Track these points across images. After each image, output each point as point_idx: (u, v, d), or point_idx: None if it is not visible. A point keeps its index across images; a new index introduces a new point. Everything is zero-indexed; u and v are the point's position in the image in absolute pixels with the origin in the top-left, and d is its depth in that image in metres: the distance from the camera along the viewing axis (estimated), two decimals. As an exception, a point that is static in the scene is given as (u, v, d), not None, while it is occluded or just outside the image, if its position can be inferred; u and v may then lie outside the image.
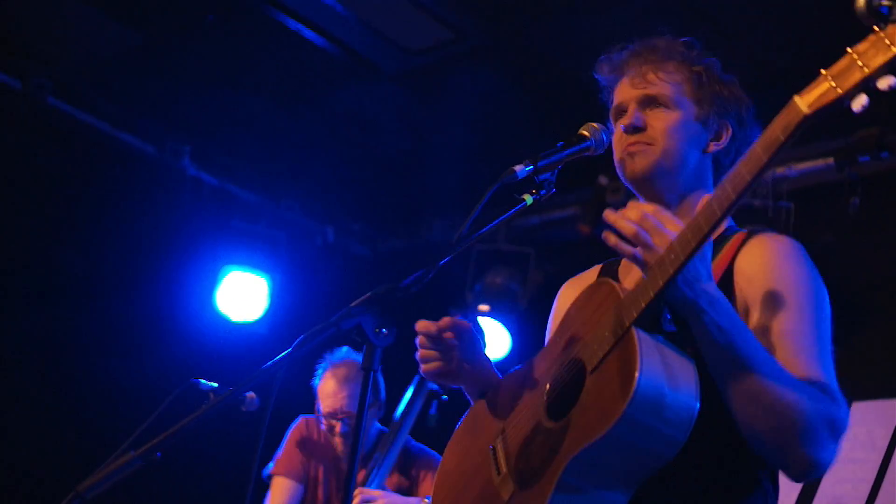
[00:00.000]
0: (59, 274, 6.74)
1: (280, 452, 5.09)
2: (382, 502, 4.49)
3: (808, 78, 2.05)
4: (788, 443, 2.25)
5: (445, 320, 2.73)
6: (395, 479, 4.93)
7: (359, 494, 4.47)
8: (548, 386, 2.57)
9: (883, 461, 5.18)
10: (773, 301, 2.41)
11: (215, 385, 4.36)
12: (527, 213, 7.49)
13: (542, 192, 2.46)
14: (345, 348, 5.12)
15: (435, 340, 2.75)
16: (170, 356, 6.55)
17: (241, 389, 4.71)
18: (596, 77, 2.85)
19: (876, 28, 1.91)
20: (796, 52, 5.29)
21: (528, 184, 2.45)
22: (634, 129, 2.65)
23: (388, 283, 2.24)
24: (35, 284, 6.66)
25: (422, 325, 2.74)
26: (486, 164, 6.12)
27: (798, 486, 5.31)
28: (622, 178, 2.72)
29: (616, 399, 2.24)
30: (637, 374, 2.22)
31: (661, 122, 2.66)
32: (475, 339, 2.82)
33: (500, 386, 2.84)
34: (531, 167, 2.43)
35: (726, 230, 2.67)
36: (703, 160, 2.70)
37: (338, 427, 4.97)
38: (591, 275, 2.91)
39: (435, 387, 4.94)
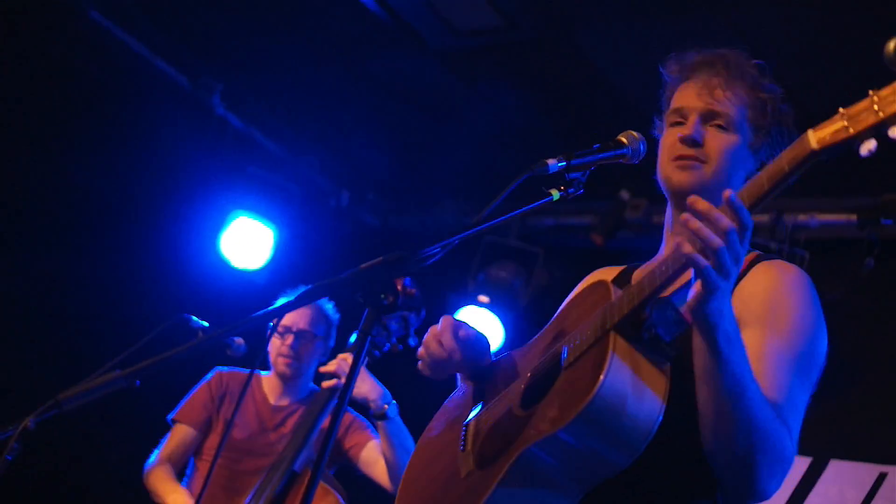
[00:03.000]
0: (68, 188, 6.71)
1: (186, 399, 5.21)
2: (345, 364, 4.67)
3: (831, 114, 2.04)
4: (740, 466, 2.25)
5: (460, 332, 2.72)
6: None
7: (342, 360, 4.69)
8: (529, 374, 2.59)
9: (849, 523, 5.18)
10: (765, 323, 2.39)
11: (206, 324, 4.39)
12: (542, 213, 7.50)
13: (570, 190, 2.44)
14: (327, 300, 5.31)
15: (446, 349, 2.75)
16: (165, 289, 6.54)
17: (232, 332, 4.76)
18: (661, 71, 2.81)
19: None
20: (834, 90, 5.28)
21: (557, 179, 2.43)
22: (693, 143, 2.62)
23: (401, 251, 2.22)
24: (41, 194, 6.64)
25: (442, 336, 2.72)
26: (509, 157, 6.15)
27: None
28: (660, 181, 2.70)
29: (577, 398, 2.23)
30: (602, 378, 2.20)
31: (719, 143, 2.63)
32: (482, 344, 2.84)
33: (494, 365, 2.86)
34: (564, 163, 2.41)
35: None
36: None
37: (289, 340, 5.14)
38: (612, 272, 2.90)
39: (369, 345, 5.00)
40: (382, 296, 2.13)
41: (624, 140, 2.54)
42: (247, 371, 5.29)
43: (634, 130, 2.61)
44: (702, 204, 2.09)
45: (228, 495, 4.87)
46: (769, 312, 2.41)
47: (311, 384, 5.29)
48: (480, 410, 2.72)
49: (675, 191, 2.65)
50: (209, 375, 5.25)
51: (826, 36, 5.11)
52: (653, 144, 2.70)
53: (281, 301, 5.30)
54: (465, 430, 2.69)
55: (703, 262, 2.08)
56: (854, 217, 5.65)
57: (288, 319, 5.20)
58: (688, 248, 2.10)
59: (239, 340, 5.03)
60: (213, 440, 5.12)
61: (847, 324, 5.56)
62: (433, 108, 6.61)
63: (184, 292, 6.47)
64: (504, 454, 2.40)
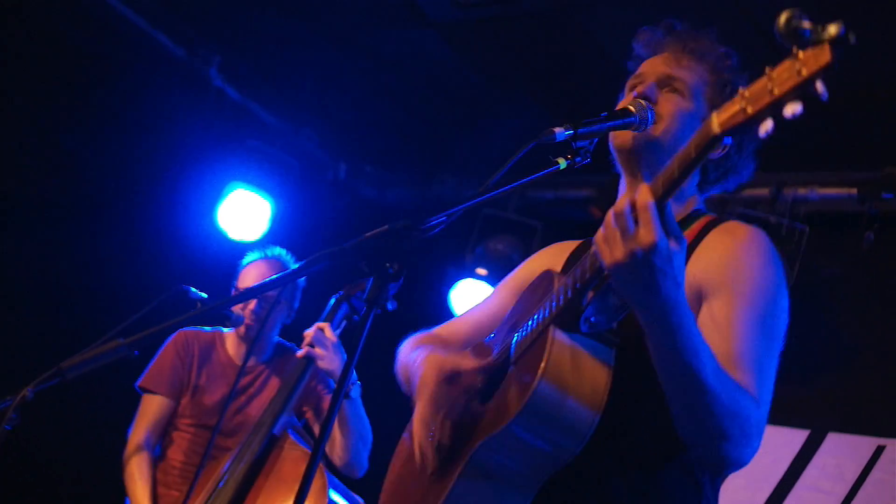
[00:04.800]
0: (65, 159, 6.69)
1: (152, 365, 5.16)
2: (329, 343, 4.68)
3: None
4: (707, 438, 2.29)
5: None
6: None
7: (318, 329, 4.71)
8: (487, 368, 2.65)
9: (848, 495, 5.19)
10: (727, 289, 2.41)
11: (204, 295, 4.39)
12: (542, 186, 7.45)
13: (578, 158, 2.42)
14: (283, 249, 5.36)
15: None
16: (163, 261, 6.54)
17: (230, 303, 4.77)
18: (632, 45, 2.85)
19: (795, 50, 1.81)
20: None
21: (564, 148, 2.41)
22: (645, 99, 2.63)
23: (405, 220, 2.21)
24: (38, 166, 6.62)
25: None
26: (510, 130, 6.12)
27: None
28: (610, 144, 2.69)
29: (518, 397, 2.28)
30: (540, 374, 2.24)
31: (671, 105, 2.65)
32: None
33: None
34: (571, 131, 2.39)
35: (694, 211, 2.68)
36: None
37: (252, 304, 5.10)
38: (570, 246, 2.96)
39: (348, 310, 4.97)
40: (387, 265, 2.11)
41: (632, 108, 2.53)
42: (209, 329, 5.32)
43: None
44: (619, 219, 2.10)
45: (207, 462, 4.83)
46: (730, 277, 2.43)
47: (276, 338, 5.27)
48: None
49: (623, 148, 2.65)
50: (171, 337, 5.20)
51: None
52: None
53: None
54: (434, 426, 2.70)
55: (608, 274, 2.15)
56: (854, 191, 5.64)
57: (250, 281, 5.18)
58: (606, 260, 2.12)
59: (237, 311, 5.05)
60: (183, 403, 5.09)
61: (846, 297, 5.58)
62: (432, 81, 6.57)
63: (181, 264, 6.46)
64: (460, 452, 2.45)
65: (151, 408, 5.08)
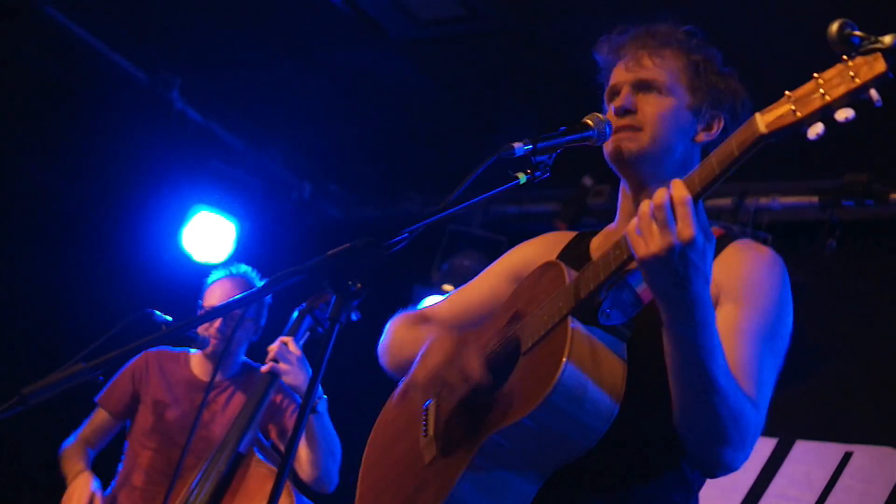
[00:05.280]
0: (28, 185, 6.65)
1: (110, 382, 5.16)
2: (294, 357, 4.65)
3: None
4: (707, 440, 2.31)
5: None
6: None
7: (282, 343, 4.68)
8: (485, 358, 2.59)
9: (817, 502, 5.22)
10: (742, 300, 2.44)
11: (169, 318, 4.37)
12: (505, 201, 7.45)
13: (537, 173, 2.43)
14: (248, 267, 5.32)
15: None
16: (128, 284, 6.50)
17: (195, 324, 4.75)
18: (595, 57, 2.85)
19: (845, 57, 1.90)
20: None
21: (524, 163, 2.43)
22: (625, 112, 2.65)
23: (368, 237, 2.21)
24: (1, 191, 6.58)
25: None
26: (475, 147, 6.12)
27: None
28: (606, 158, 2.71)
29: (539, 385, 2.26)
30: (563, 364, 2.23)
31: (651, 107, 2.65)
32: None
33: None
34: (530, 146, 2.40)
35: None
36: (692, 149, 2.69)
37: (217, 323, 5.06)
38: (564, 237, 2.96)
39: (311, 322, 4.94)
40: (350, 282, 2.11)
41: (590, 122, 2.54)
42: (176, 350, 5.28)
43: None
44: (659, 212, 2.11)
45: (169, 480, 4.79)
46: (746, 290, 2.46)
47: (243, 357, 5.23)
48: (440, 393, 2.69)
49: (618, 162, 2.67)
50: (135, 358, 5.17)
51: (799, 34, 5.13)
52: None
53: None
54: (426, 414, 2.68)
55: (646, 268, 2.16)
56: (816, 199, 5.69)
57: (216, 300, 5.14)
58: (641, 252, 2.14)
59: (202, 331, 5.02)
60: (144, 422, 5.07)
61: (810, 306, 5.58)
62: (396, 99, 6.58)
63: (146, 287, 6.42)
64: (468, 441, 2.42)
65: (95, 420, 5.17)
